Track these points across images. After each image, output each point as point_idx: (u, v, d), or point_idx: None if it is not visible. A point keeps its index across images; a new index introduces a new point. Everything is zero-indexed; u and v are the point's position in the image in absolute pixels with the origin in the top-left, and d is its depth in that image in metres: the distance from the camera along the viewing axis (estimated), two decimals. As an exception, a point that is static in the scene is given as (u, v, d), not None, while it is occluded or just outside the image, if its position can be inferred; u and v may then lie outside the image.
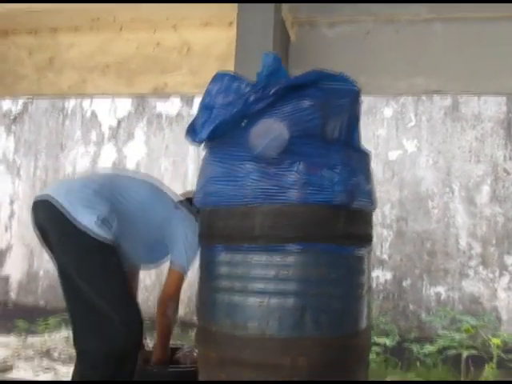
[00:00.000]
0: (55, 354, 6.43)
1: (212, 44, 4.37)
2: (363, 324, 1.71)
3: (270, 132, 1.56)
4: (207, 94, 1.69)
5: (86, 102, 8.22)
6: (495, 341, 5.29)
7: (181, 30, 4.39)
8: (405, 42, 3.86)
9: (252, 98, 1.56)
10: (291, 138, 1.57)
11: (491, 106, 6.85)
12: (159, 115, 8.12)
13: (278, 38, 3.56)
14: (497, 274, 6.69)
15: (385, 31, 3.89)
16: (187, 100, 7.96)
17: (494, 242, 6.73)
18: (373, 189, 1.76)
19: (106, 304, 1.97)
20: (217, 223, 1.71)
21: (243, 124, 1.58)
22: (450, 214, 6.81)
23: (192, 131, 1.68)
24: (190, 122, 1.87)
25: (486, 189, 6.83)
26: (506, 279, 6.64)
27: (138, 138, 8.08)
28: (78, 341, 2.07)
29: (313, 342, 1.58)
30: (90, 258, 1.97)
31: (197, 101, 7.92)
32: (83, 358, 2.00)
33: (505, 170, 6.79)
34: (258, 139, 1.56)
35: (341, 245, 1.65)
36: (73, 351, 2.17)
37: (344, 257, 1.66)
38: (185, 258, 2.18)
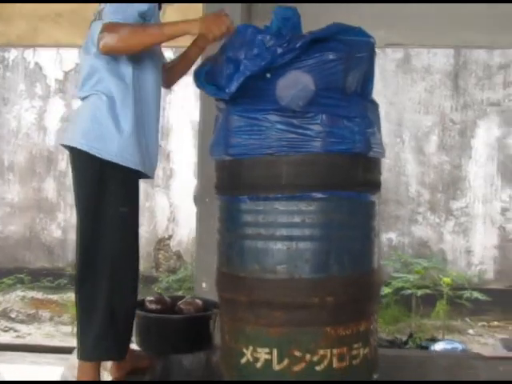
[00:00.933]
0: (12, 315, 6.35)
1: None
2: (377, 263, 1.86)
3: (298, 84, 1.62)
4: (230, 46, 1.71)
5: (29, 53, 7.80)
6: (445, 280, 5.70)
7: None
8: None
9: (279, 51, 1.60)
10: (315, 90, 1.63)
11: (440, 59, 7.10)
12: (109, 67, 7.84)
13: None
14: (443, 218, 7.12)
15: None
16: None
17: (440, 188, 7.13)
18: (382, 138, 1.87)
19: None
20: (241, 174, 1.77)
21: (268, 76, 1.63)
22: (400, 163, 7.12)
23: (215, 85, 1.70)
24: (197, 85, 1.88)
25: (434, 138, 7.16)
26: (451, 223, 7.08)
27: (87, 92, 7.81)
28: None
29: (338, 281, 1.71)
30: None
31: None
32: None
33: (451, 120, 7.13)
34: (286, 90, 1.62)
35: (359, 191, 1.77)
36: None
37: (362, 202, 1.79)
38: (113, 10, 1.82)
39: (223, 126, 1.80)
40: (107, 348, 1.92)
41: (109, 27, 1.74)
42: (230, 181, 1.82)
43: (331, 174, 1.71)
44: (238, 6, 3.33)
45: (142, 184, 7.81)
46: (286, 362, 1.69)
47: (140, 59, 1.89)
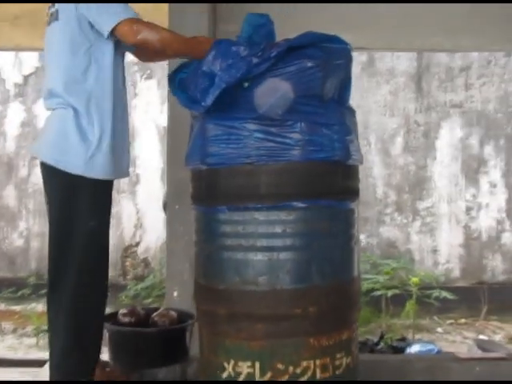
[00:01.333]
0: None
1: None
2: (356, 271, 1.84)
3: (276, 91, 1.59)
4: (204, 60, 1.67)
5: (-16, 58, 7.58)
6: (414, 280, 5.77)
7: None
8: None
9: (255, 61, 1.58)
10: (294, 98, 1.61)
11: (403, 62, 7.21)
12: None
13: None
14: (410, 219, 7.23)
15: None
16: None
17: (407, 189, 7.23)
18: (359, 144, 1.86)
19: None
20: (219, 183, 1.73)
21: (245, 85, 1.59)
22: (367, 165, 7.19)
23: (191, 100, 1.66)
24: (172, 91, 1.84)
25: (399, 140, 7.27)
26: (417, 223, 7.20)
27: (49, 96, 7.62)
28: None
29: (320, 290, 1.69)
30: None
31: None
32: None
33: (416, 122, 7.25)
34: (264, 98, 1.59)
35: (339, 199, 1.75)
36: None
37: (342, 211, 1.77)
38: (109, 8, 1.80)
39: (199, 135, 1.76)
40: (74, 364, 1.85)
41: (143, 22, 1.75)
42: (208, 191, 1.77)
43: (311, 183, 1.68)
44: (205, 6, 3.31)
45: (108, 190, 7.50)
46: (268, 374, 1.66)
47: (111, 62, 1.84)
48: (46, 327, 6.31)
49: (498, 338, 5.71)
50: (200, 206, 1.82)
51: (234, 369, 1.68)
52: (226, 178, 1.70)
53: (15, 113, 7.56)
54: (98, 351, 1.98)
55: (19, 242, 7.51)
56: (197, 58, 1.81)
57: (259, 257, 1.66)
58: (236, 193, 1.69)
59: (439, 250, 7.29)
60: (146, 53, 2.08)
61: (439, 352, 3.19)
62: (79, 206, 1.83)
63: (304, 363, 1.66)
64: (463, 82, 7.33)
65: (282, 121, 1.64)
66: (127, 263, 7.62)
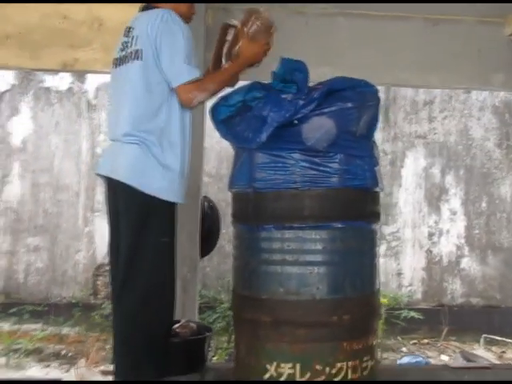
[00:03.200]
0: None
1: (126, 20, 4.37)
2: (378, 285, 2.11)
3: (322, 128, 1.85)
4: (256, 107, 1.94)
5: (-42, 73, 7.52)
6: (383, 301, 6.09)
7: (90, 4, 4.31)
8: (313, 34, 4.29)
9: (301, 103, 1.85)
10: (336, 133, 1.88)
11: (372, 94, 7.64)
12: (47, 89, 7.70)
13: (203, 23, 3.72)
14: (377, 243, 7.56)
15: (295, 22, 4.29)
16: (78, 75, 7.67)
17: (374, 215, 7.57)
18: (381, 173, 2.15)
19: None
20: (266, 205, 1.96)
21: (295, 122, 1.86)
22: (338, 190, 7.50)
23: (242, 138, 1.92)
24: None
25: (367, 168, 7.62)
26: (383, 247, 7.55)
27: (24, 114, 7.62)
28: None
29: (352, 301, 1.94)
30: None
31: (91, 76, 7.65)
32: None
33: (383, 151, 7.66)
34: (312, 133, 1.85)
35: (368, 222, 2.03)
36: None
37: (370, 231, 2.04)
38: (177, 64, 2.00)
39: (247, 162, 2.00)
40: (145, 373, 1.99)
41: (196, 86, 2.00)
42: (255, 211, 2.00)
43: (347, 206, 1.95)
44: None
45: (81, 209, 7.69)
46: (308, 375, 1.88)
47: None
48: (16, 347, 6.25)
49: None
50: (245, 225, 2.05)
51: (276, 370, 1.90)
52: (274, 201, 1.94)
53: (-12, 129, 7.51)
54: (168, 359, 2.09)
55: (-11, 259, 7.39)
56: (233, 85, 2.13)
57: (301, 270, 1.91)
58: (282, 214, 1.93)
59: (403, 273, 7.67)
60: None
61: (427, 363, 3.47)
62: (154, 224, 2.00)
63: (338, 365, 1.90)
64: (427, 115, 7.84)
65: (324, 152, 1.91)
66: (99, 282, 7.62)
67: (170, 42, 1.98)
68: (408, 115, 7.83)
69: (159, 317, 2.03)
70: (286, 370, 1.89)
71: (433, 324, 6.97)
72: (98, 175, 2.19)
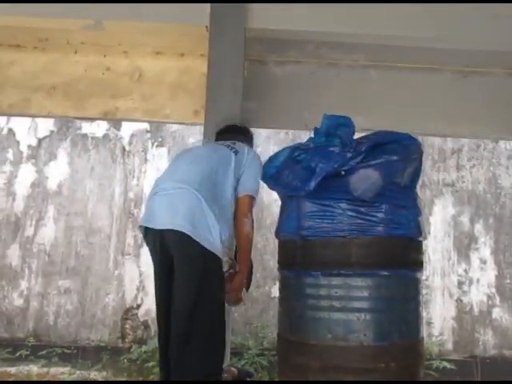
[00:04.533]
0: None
1: (164, 72, 4.59)
2: (422, 333, 2.15)
3: (369, 179, 1.95)
4: (305, 159, 2.07)
5: (2, 119, 7.88)
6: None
7: (132, 55, 4.55)
8: (344, 85, 4.43)
9: (349, 155, 1.96)
10: (382, 184, 1.97)
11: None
12: (84, 136, 8.00)
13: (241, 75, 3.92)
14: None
15: (327, 73, 4.45)
16: (114, 122, 7.96)
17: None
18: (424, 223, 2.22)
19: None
20: (314, 253, 2.05)
21: (342, 173, 1.96)
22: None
23: (290, 187, 2.05)
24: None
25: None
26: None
27: (61, 159, 7.90)
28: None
29: (398, 348, 1.98)
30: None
31: (126, 123, 7.95)
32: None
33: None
34: (359, 184, 1.94)
35: (412, 270, 2.09)
36: None
37: (414, 279, 2.10)
38: (250, 184, 2.41)
39: (295, 211, 2.09)
40: None
41: (249, 203, 2.39)
42: (302, 258, 2.08)
43: (392, 255, 2.02)
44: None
45: (112, 252, 7.83)
46: (356, 421, 1.91)
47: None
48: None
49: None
50: (292, 271, 2.13)
51: (324, 415, 1.93)
52: (321, 248, 2.02)
53: (26, 174, 7.79)
54: None
55: (19, 302, 7.52)
56: (244, 261, 2.39)
57: (349, 317, 1.96)
58: (329, 261, 2.01)
59: (433, 322, 7.55)
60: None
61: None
62: (211, 274, 2.19)
63: (386, 412, 1.92)
64: (455, 163, 7.89)
65: (371, 202, 1.99)
66: (127, 326, 7.66)
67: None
68: (436, 163, 7.88)
69: (218, 368, 2.12)
70: (334, 415, 1.92)
71: (465, 375, 6.80)
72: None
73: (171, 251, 2.24)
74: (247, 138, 2.79)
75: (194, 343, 2.11)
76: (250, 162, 2.45)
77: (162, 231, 2.26)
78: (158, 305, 2.41)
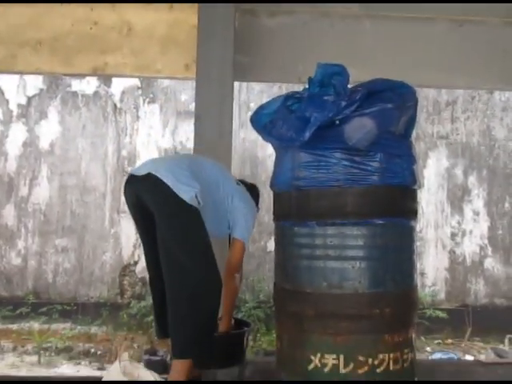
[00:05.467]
0: None
1: (153, 25, 4.48)
2: (416, 280, 2.18)
3: (364, 128, 1.93)
4: (299, 109, 2.04)
5: (-10, 78, 7.72)
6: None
7: (119, 8, 4.42)
8: (339, 36, 4.35)
9: (343, 104, 1.93)
10: (377, 133, 1.96)
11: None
12: (74, 94, 7.87)
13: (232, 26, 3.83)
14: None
15: (321, 24, 4.36)
16: (104, 79, 7.83)
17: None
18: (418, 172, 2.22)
19: (193, 263, 2.23)
20: (309, 203, 2.05)
21: (337, 123, 1.94)
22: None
23: (284, 138, 2.02)
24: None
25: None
26: (407, 247, 7.54)
27: (52, 118, 7.79)
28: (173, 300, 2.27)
29: (393, 295, 2.02)
30: (187, 224, 2.26)
31: (116, 80, 7.81)
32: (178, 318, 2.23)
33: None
34: (354, 133, 1.93)
35: (407, 218, 2.10)
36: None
37: (409, 228, 2.12)
38: (246, 230, 2.47)
39: (289, 162, 2.08)
40: (198, 348, 2.18)
41: (242, 249, 2.50)
42: (298, 209, 2.09)
43: (387, 204, 2.02)
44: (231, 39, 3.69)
45: (107, 211, 7.85)
46: (351, 366, 1.96)
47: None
48: (47, 345, 6.38)
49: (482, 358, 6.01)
50: (287, 222, 2.14)
51: (320, 361, 1.98)
52: (316, 199, 2.03)
53: (17, 133, 7.70)
54: (213, 343, 2.32)
55: (17, 261, 7.58)
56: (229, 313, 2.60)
57: (344, 265, 1.99)
58: (325, 211, 2.02)
59: (426, 273, 7.68)
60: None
61: (459, 359, 3.51)
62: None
63: (380, 356, 1.97)
64: (449, 115, 7.85)
65: (366, 152, 1.98)
66: (125, 282, 7.76)
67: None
68: (430, 116, 7.84)
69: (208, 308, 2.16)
70: (330, 360, 1.97)
71: (457, 324, 6.98)
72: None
73: (143, 195, 2.33)
74: (253, 194, 2.76)
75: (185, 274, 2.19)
76: (240, 197, 2.52)
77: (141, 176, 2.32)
78: (145, 254, 2.55)
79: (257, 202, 2.76)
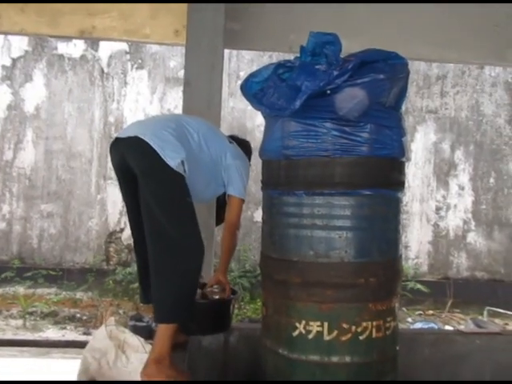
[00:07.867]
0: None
1: None
2: (401, 251, 2.22)
3: (355, 98, 1.93)
4: (290, 78, 2.02)
5: (-28, 38, 7.54)
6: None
7: None
8: (331, 7, 4.29)
9: (335, 73, 1.92)
10: (368, 104, 1.95)
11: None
12: (61, 57, 7.73)
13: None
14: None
15: None
16: (92, 43, 7.68)
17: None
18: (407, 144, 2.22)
19: (176, 229, 2.23)
20: (298, 172, 2.05)
21: (328, 92, 1.93)
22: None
23: (274, 106, 2.01)
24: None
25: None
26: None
27: (37, 81, 7.66)
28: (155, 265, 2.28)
29: (378, 264, 2.05)
30: (171, 190, 2.24)
31: (104, 44, 7.65)
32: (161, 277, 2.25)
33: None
34: (345, 103, 1.92)
35: (394, 189, 2.12)
36: None
37: (396, 199, 2.14)
38: (242, 187, 2.51)
39: (279, 130, 2.08)
40: (180, 313, 2.20)
41: (240, 205, 2.56)
42: (287, 178, 2.09)
43: (376, 175, 2.04)
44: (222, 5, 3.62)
45: (94, 177, 7.84)
46: (335, 333, 2.00)
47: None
48: (32, 309, 6.42)
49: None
50: (275, 191, 2.14)
51: (305, 328, 2.02)
52: (305, 168, 2.03)
53: (2, 95, 7.57)
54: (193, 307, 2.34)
55: (1, 226, 7.54)
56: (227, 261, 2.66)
57: (331, 235, 2.01)
58: (313, 180, 2.02)
59: (410, 246, 7.79)
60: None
61: (439, 329, 3.59)
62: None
63: (364, 324, 2.01)
64: (439, 89, 7.85)
65: (355, 122, 1.98)
66: (111, 249, 7.77)
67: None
68: (420, 90, 7.84)
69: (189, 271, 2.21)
70: (315, 327, 2.00)
71: (438, 296, 7.12)
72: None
73: (129, 158, 2.31)
74: (245, 150, 2.77)
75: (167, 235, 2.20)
76: (233, 153, 2.55)
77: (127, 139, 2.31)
78: (129, 218, 2.55)
79: (249, 158, 2.77)
